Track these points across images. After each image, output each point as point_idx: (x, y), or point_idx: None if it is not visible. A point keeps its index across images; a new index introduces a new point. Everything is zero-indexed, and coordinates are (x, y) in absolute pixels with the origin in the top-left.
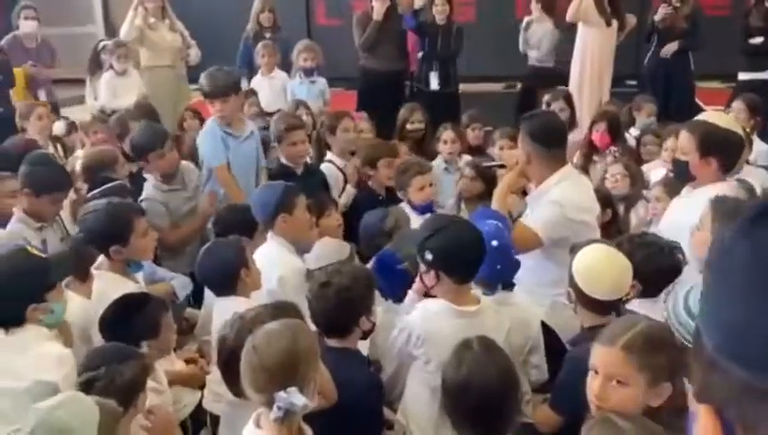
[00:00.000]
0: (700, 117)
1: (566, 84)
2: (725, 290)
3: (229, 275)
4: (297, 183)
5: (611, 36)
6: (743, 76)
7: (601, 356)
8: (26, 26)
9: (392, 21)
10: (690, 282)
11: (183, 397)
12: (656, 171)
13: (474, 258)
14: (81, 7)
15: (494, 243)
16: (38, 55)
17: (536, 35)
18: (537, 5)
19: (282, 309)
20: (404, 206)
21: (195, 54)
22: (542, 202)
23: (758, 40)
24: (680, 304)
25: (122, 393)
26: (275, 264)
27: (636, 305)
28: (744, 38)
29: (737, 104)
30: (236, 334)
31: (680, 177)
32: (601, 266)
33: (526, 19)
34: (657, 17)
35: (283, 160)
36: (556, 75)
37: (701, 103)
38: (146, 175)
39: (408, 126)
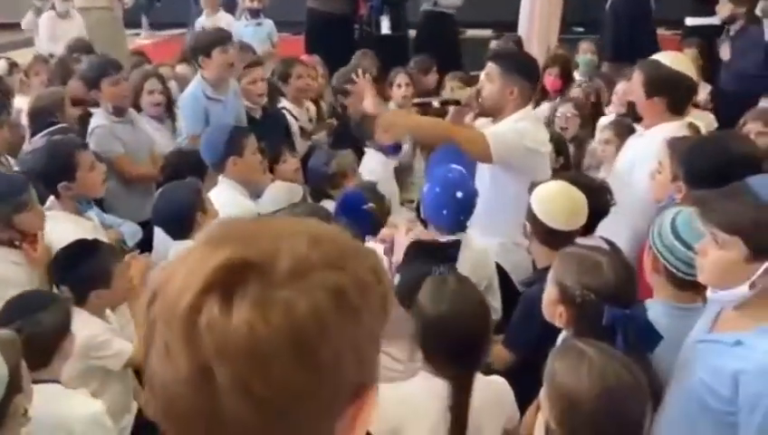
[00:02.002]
0: (653, 57)
1: None
2: None
3: (185, 217)
4: (256, 127)
5: None
6: (690, 21)
7: None
8: None
9: None
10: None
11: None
12: (605, 117)
13: None
14: None
15: (459, 194)
16: None
17: None
18: None
19: None
20: (369, 149)
21: None
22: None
23: None
24: (667, 227)
25: (42, 342)
26: (227, 205)
27: None
28: None
29: (689, 51)
30: None
31: (630, 117)
32: (559, 197)
33: None
34: None
35: (245, 102)
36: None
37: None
38: (93, 110)
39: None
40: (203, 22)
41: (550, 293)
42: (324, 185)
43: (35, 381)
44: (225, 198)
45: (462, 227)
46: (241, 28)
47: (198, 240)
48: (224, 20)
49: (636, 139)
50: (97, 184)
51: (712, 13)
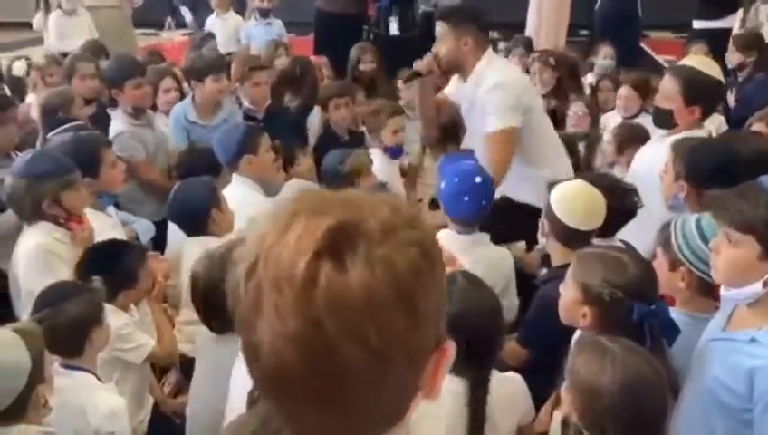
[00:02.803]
0: (684, 61)
1: None
2: None
3: (201, 214)
4: (264, 127)
5: None
6: (697, 24)
7: None
8: None
9: None
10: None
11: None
12: (612, 118)
13: None
14: None
15: (478, 179)
16: None
17: None
18: None
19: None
20: (375, 149)
21: None
22: (479, 94)
23: None
24: (693, 228)
25: (68, 331)
26: (245, 204)
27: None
28: None
29: (699, 48)
30: (207, 272)
31: (662, 125)
32: (579, 196)
33: None
34: None
35: (246, 103)
36: None
37: (651, 52)
38: (111, 112)
39: (361, 66)
40: (213, 21)
41: (570, 295)
42: (339, 184)
43: (67, 367)
44: (240, 195)
45: (484, 214)
46: (251, 28)
47: (289, 210)
48: (233, 20)
49: (655, 144)
50: (118, 180)
51: (718, 16)
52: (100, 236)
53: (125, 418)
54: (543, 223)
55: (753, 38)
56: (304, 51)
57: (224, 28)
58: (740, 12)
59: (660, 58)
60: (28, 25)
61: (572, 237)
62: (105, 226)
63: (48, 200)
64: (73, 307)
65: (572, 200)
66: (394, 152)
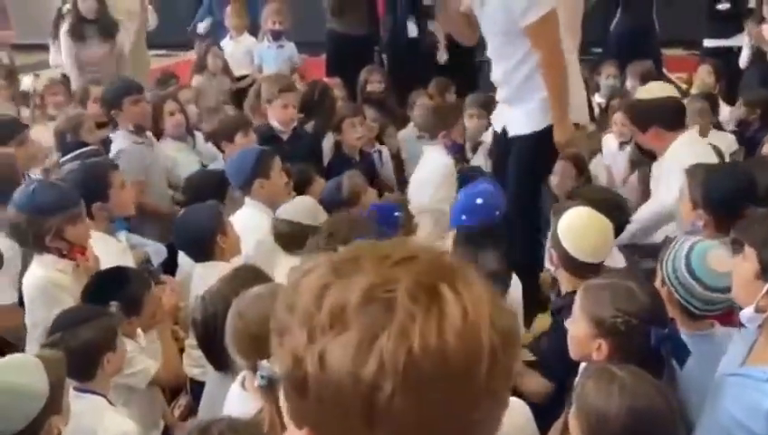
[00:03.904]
0: (634, 98)
1: None
2: None
3: (206, 239)
4: (282, 148)
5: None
6: (708, 43)
7: None
8: None
9: None
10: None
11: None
12: (612, 139)
13: None
14: None
15: (479, 201)
16: None
17: None
18: None
19: (241, 278)
20: (434, 148)
21: (152, 19)
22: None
23: (725, 5)
24: (682, 263)
25: (81, 356)
26: (253, 228)
27: None
28: (711, 4)
29: (704, 68)
30: (203, 313)
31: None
32: (588, 228)
33: None
34: None
35: (274, 123)
36: None
37: (666, 72)
38: (111, 135)
39: (368, 87)
40: (227, 43)
41: (581, 329)
42: (342, 210)
43: (79, 389)
44: (249, 219)
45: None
46: (264, 51)
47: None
48: (246, 42)
49: (657, 165)
50: (129, 203)
51: (730, 34)
52: (108, 262)
53: None
54: (551, 252)
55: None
56: (316, 71)
57: (237, 50)
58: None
59: (673, 76)
60: (41, 48)
61: (582, 269)
62: (114, 251)
63: (51, 235)
64: (87, 332)
65: (582, 234)
66: (455, 150)
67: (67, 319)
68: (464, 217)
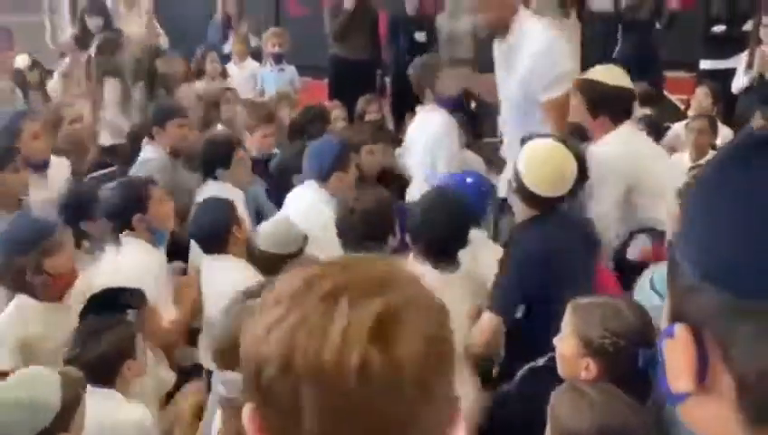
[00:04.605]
0: (588, 75)
1: None
2: (716, 216)
3: (220, 233)
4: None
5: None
6: (704, 65)
7: None
8: None
9: (364, 10)
10: None
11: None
12: None
13: None
14: None
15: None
16: None
17: None
18: None
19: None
20: (429, 106)
21: (164, 42)
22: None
23: (720, 28)
24: (646, 289)
25: (100, 365)
26: (321, 211)
27: None
28: (707, 26)
29: (701, 90)
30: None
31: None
32: (548, 163)
33: None
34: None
35: (254, 153)
36: None
37: (667, 93)
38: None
39: (366, 117)
40: (231, 69)
41: (570, 348)
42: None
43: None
44: (319, 205)
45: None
46: (265, 74)
47: (320, 291)
48: (250, 67)
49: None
50: (169, 216)
51: (726, 56)
52: (149, 274)
53: (153, 430)
54: (509, 181)
55: None
56: (319, 95)
57: (241, 75)
58: (746, 53)
59: (674, 97)
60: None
61: (536, 202)
62: (154, 262)
63: (31, 272)
64: (105, 342)
65: (541, 166)
66: (451, 103)
67: (85, 331)
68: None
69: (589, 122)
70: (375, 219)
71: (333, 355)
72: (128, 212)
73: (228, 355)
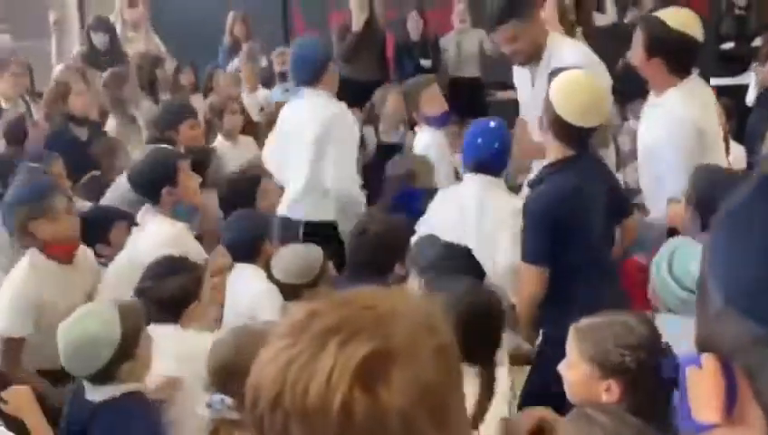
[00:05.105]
0: (658, 14)
1: None
2: (742, 245)
3: (253, 243)
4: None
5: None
6: (714, 82)
7: None
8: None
9: (371, 31)
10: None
11: None
12: None
13: None
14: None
15: (492, 124)
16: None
17: None
18: None
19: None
20: (419, 127)
21: (170, 63)
22: None
23: (729, 45)
24: (664, 272)
25: (167, 303)
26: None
27: None
28: (716, 43)
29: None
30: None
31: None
32: (580, 90)
33: None
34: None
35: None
36: None
37: None
38: None
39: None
40: (243, 98)
41: (580, 373)
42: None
43: None
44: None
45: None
46: (274, 94)
47: (315, 331)
48: (261, 95)
49: (651, 109)
50: (195, 191)
51: (737, 73)
52: (182, 247)
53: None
54: (541, 118)
55: None
56: None
57: (251, 102)
58: (754, 65)
59: None
60: None
61: (569, 133)
62: (178, 232)
63: (18, 230)
64: (174, 281)
65: (575, 95)
66: (437, 121)
67: (157, 269)
68: (480, 141)
69: (642, 63)
70: (385, 243)
71: (318, 395)
72: (158, 185)
73: (221, 376)
